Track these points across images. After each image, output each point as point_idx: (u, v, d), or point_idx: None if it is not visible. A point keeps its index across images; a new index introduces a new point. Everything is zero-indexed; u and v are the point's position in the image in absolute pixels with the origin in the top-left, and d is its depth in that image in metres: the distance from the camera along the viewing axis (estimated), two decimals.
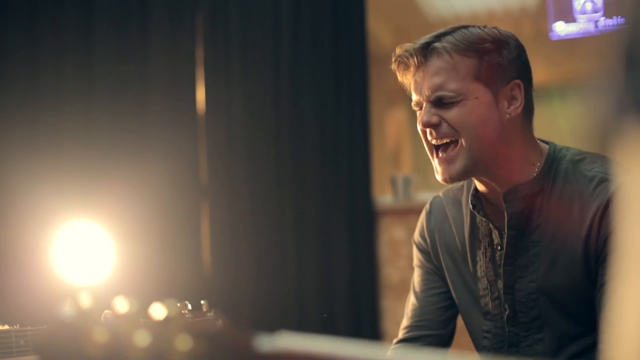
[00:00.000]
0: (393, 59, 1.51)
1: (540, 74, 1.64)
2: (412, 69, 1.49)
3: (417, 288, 1.69)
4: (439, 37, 1.47)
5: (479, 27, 1.50)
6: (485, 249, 1.54)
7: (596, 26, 3.09)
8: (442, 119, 1.45)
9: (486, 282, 1.55)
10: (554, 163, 1.49)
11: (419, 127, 1.49)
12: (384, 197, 3.88)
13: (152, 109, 3.63)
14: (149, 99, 3.63)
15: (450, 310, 1.67)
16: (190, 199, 3.63)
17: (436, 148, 1.48)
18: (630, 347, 0.52)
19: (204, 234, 3.66)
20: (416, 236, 1.71)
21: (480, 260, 1.56)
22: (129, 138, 3.58)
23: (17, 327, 1.35)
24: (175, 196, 3.58)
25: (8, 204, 3.37)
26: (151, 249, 3.47)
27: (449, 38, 1.46)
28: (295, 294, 3.62)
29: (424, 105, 1.48)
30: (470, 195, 1.55)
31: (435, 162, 1.49)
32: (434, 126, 1.46)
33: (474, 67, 1.45)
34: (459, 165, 1.45)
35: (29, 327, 1.35)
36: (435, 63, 1.45)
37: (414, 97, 1.50)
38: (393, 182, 3.86)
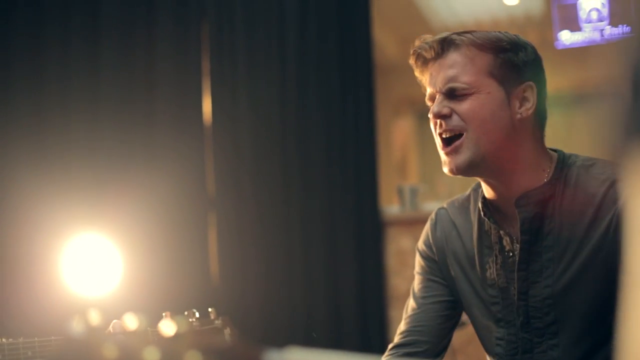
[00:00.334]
0: (411, 52, 1.53)
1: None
2: (429, 63, 1.51)
3: (418, 294, 1.69)
4: (458, 33, 1.51)
5: (499, 31, 1.53)
6: (497, 255, 1.55)
7: (602, 35, 3.09)
8: (453, 110, 1.47)
9: (498, 288, 1.55)
10: (564, 169, 1.49)
11: (430, 118, 1.51)
12: (391, 207, 3.87)
13: (159, 119, 3.64)
14: (155, 108, 3.65)
15: (450, 321, 1.67)
16: (197, 209, 3.63)
17: (444, 141, 1.49)
18: None
19: (211, 245, 3.66)
20: (420, 244, 1.71)
21: (491, 267, 1.56)
22: (136, 149, 3.59)
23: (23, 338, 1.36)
24: (183, 206, 3.58)
25: (16, 216, 3.38)
26: (159, 259, 3.47)
27: (468, 34, 1.50)
28: (302, 304, 3.61)
29: (437, 96, 1.50)
30: (479, 202, 1.56)
31: (443, 155, 1.50)
32: (444, 117, 1.48)
33: (489, 63, 1.47)
34: (464, 156, 1.46)
35: (36, 339, 1.35)
36: (451, 56, 1.48)
37: (428, 90, 1.53)
38: (400, 192, 3.86)
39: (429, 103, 1.53)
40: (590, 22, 3.13)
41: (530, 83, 1.49)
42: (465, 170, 1.48)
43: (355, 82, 3.77)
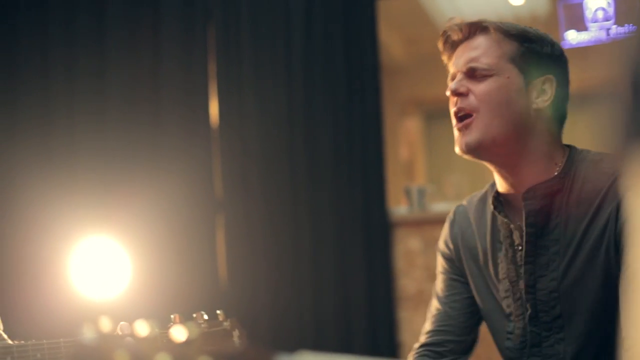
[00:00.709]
0: (440, 35, 1.59)
1: None
2: (457, 45, 1.56)
3: (441, 294, 1.70)
4: (487, 20, 1.55)
5: (529, 26, 1.56)
6: (507, 250, 1.56)
7: (608, 34, 3.08)
8: (470, 90, 1.50)
9: (508, 283, 1.56)
10: (575, 163, 1.51)
11: (448, 95, 1.54)
12: (398, 208, 3.87)
13: (165, 120, 3.65)
14: (161, 109, 3.65)
15: (474, 317, 1.68)
16: (205, 210, 3.64)
17: (458, 118, 1.52)
18: None
19: (219, 246, 3.67)
20: (440, 244, 1.73)
21: (502, 262, 1.57)
22: (142, 150, 3.60)
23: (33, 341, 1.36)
24: (191, 208, 3.59)
25: (23, 219, 3.40)
26: (167, 261, 3.48)
27: (496, 21, 1.55)
28: (311, 306, 3.61)
29: (457, 75, 1.53)
30: (492, 197, 1.57)
31: (455, 131, 1.53)
32: (461, 95, 1.51)
33: (513, 50, 1.51)
34: (474, 135, 1.48)
35: (45, 341, 1.35)
36: (477, 39, 1.54)
37: (451, 71, 1.57)
38: (408, 193, 3.85)
39: (450, 83, 1.57)
40: (596, 21, 3.12)
41: (550, 76, 1.52)
42: (473, 150, 1.50)
43: (361, 83, 3.76)
